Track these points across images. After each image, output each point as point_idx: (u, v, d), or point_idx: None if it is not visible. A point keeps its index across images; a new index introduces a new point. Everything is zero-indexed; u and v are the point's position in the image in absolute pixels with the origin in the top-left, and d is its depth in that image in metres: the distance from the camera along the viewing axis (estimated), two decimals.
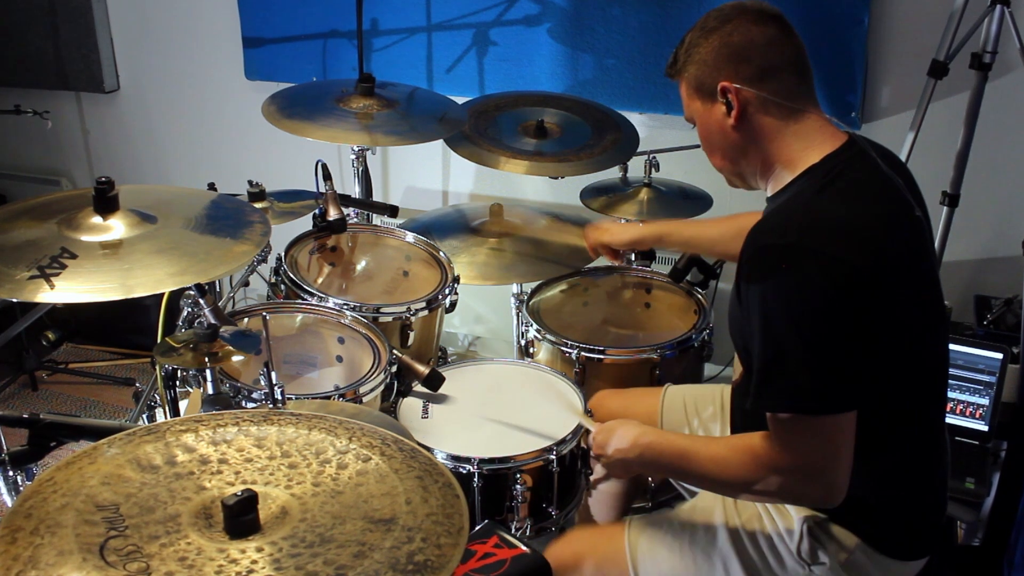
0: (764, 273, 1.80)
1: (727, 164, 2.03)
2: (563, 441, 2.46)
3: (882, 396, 1.87)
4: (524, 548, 1.99)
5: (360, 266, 3.18)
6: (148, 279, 1.81)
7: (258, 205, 2.85)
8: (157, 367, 2.32)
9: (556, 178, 3.27)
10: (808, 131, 1.91)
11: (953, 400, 2.87)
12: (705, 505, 2.17)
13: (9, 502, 1.82)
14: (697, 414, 2.50)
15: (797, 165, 1.91)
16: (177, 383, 2.37)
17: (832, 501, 1.87)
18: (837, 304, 1.74)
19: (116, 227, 1.92)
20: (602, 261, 3.20)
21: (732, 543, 2.07)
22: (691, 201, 3.33)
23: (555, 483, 2.48)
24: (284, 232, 2.85)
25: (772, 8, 1.94)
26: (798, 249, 1.76)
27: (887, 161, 1.96)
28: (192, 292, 2.21)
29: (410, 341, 2.83)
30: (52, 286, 1.74)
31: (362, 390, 2.49)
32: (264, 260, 2.87)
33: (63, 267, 1.78)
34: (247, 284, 3.13)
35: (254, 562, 1.19)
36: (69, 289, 1.75)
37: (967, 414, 2.87)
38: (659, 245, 2.79)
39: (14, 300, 1.75)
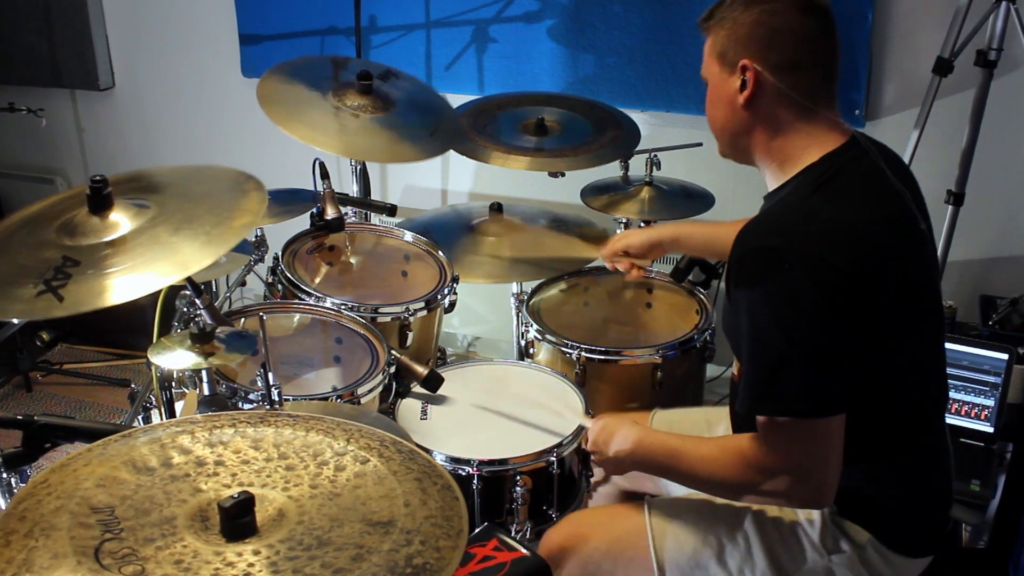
0: (752, 275, 1.79)
1: (725, 136, 1.99)
2: (563, 443, 2.44)
3: (880, 397, 1.87)
4: (524, 551, 1.97)
5: (358, 266, 3.15)
6: (171, 264, 1.74)
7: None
8: (152, 368, 2.30)
9: (557, 175, 3.25)
10: (814, 131, 1.89)
11: (958, 401, 2.85)
12: None
13: (3, 504, 1.81)
14: None
15: (796, 163, 1.89)
16: (173, 384, 2.35)
17: (821, 503, 1.90)
18: (825, 308, 1.74)
19: (117, 223, 1.84)
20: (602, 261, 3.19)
21: (756, 526, 2.06)
22: (693, 200, 3.31)
23: (555, 485, 2.46)
24: (281, 231, 2.83)
25: (824, 0, 1.90)
26: (785, 252, 1.75)
27: (893, 167, 1.94)
28: (188, 292, 2.19)
29: (409, 341, 2.81)
30: (61, 299, 1.67)
31: (360, 391, 2.47)
32: (261, 259, 2.85)
33: (68, 276, 1.72)
34: (244, 284, 3.11)
35: (251, 565, 1.17)
36: (78, 298, 1.68)
37: (972, 415, 2.85)
38: (676, 249, 2.74)
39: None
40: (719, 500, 2.14)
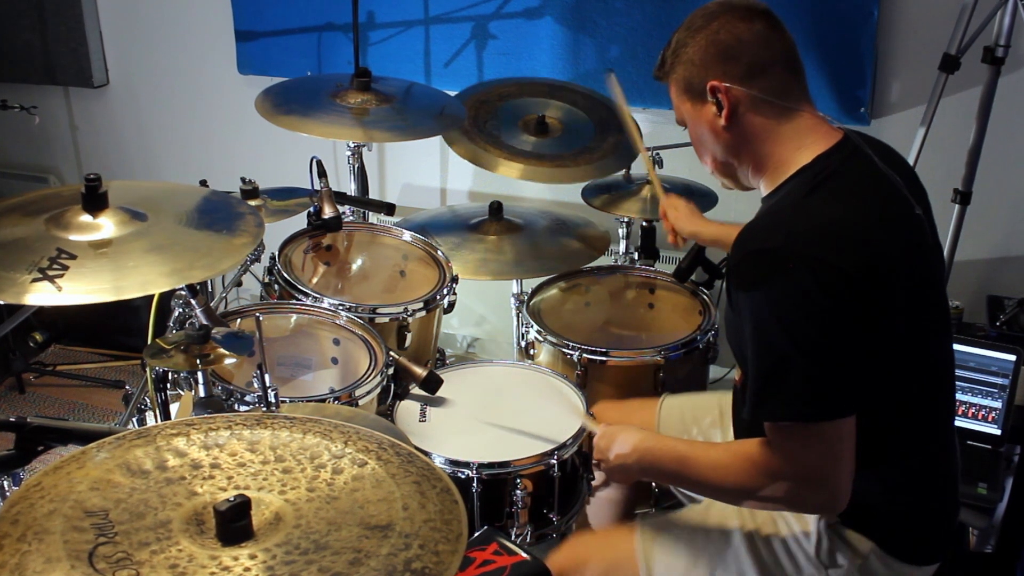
0: (753, 279, 1.79)
1: (719, 166, 2.01)
2: (564, 445, 2.42)
3: (885, 399, 1.86)
4: (524, 555, 1.97)
5: (356, 266, 3.14)
6: (153, 275, 1.81)
7: (251, 203, 2.84)
8: (147, 369, 2.34)
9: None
10: (801, 130, 1.90)
11: (965, 403, 2.83)
12: (719, 506, 2.14)
13: None
14: (696, 423, 2.47)
15: (789, 166, 1.89)
16: (168, 386, 2.36)
17: (835, 509, 1.87)
18: (829, 310, 1.73)
19: (106, 225, 1.91)
20: (604, 260, 3.17)
21: (747, 545, 2.05)
22: (695, 199, 3.24)
23: (556, 488, 2.44)
24: (278, 231, 2.82)
25: (759, 4, 1.92)
26: (787, 254, 1.74)
27: (886, 158, 1.94)
28: (183, 292, 2.19)
29: (407, 342, 2.79)
30: (59, 288, 1.73)
31: (358, 393, 2.46)
32: (257, 259, 2.84)
33: (64, 268, 1.77)
34: (240, 284, 3.10)
35: (247, 569, 1.18)
36: (77, 291, 1.74)
37: (979, 417, 2.83)
38: (714, 246, 2.71)
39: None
40: (710, 520, 2.13)
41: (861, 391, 1.78)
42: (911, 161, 2.99)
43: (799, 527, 2.01)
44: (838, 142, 1.89)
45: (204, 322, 2.07)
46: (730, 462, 1.92)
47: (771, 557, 2.02)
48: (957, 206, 3.08)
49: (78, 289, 1.74)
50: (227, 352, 1.95)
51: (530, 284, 3.21)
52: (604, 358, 2.85)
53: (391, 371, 2.61)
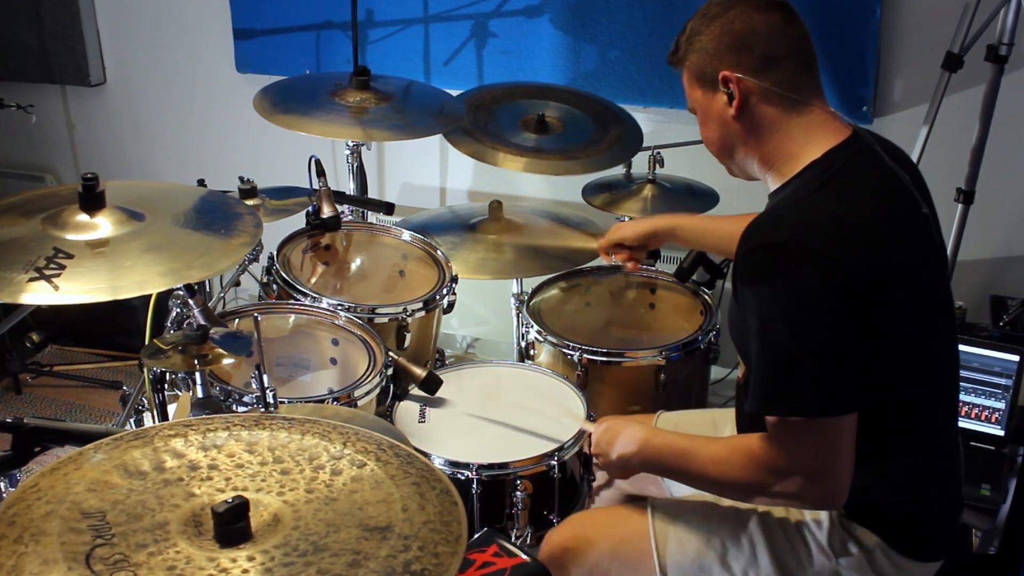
0: (759, 273, 1.79)
1: (726, 155, 2.02)
2: (565, 446, 2.42)
3: (888, 397, 1.86)
4: (524, 557, 1.96)
5: (355, 265, 3.13)
6: (150, 275, 1.81)
7: (249, 202, 2.84)
8: (145, 370, 2.31)
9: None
10: (811, 124, 1.90)
11: (968, 404, 2.82)
12: None
13: None
14: None
15: (798, 160, 1.89)
16: (166, 386, 2.35)
17: (833, 504, 1.90)
18: (833, 306, 1.73)
19: (103, 225, 1.91)
20: (604, 260, 3.16)
21: (761, 528, 2.04)
22: (697, 198, 3.31)
23: (556, 489, 2.44)
24: (276, 230, 2.81)
25: None
26: (793, 249, 1.75)
27: (893, 157, 1.94)
28: (181, 292, 2.18)
29: (407, 343, 2.79)
30: (56, 287, 1.73)
31: (357, 393, 2.46)
32: (256, 259, 2.84)
33: (62, 267, 1.77)
34: (238, 284, 3.10)
35: (245, 571, 1.17)
36: (74, 290, 1.74)
37: (982, 418, 2.82)
38: (672, 239, 2.72)
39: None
40: (724, 502, 2.12)
41: (865, 388, 1.78)
42: (914, 160, 2.99)
43: (811, 515, 2.02)
44: (847, 138, 1.89)
45: (202, 322, 2.05)
46: (729, 456, 1.93)
47: (784, 541, 2.02)
48: (960, 205, 3.07)
49: (75, 289, 1.74)
50: (225, 352, 1.94)
51: (530, 284, 3.20)
52: (605, 359, 2.85)
53: (390, 371, 2.60)
